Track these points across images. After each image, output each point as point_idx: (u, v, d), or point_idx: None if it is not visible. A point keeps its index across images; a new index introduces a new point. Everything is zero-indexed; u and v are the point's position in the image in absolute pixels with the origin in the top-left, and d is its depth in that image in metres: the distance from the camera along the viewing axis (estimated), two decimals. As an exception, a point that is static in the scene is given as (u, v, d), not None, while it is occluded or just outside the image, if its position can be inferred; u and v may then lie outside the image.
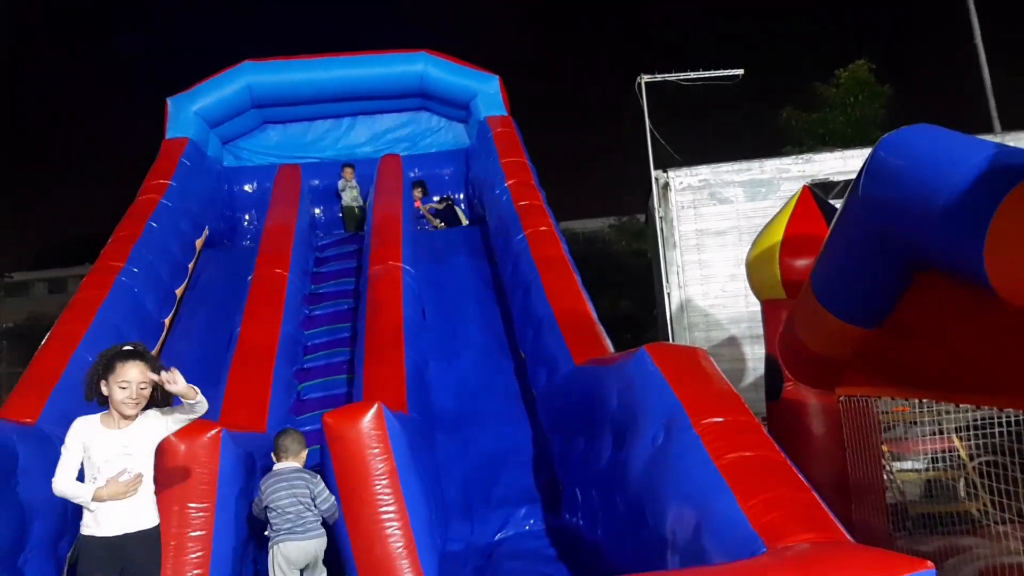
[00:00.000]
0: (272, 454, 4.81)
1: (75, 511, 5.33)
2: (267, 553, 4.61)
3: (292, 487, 4.57)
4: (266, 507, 4.60)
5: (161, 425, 3.76)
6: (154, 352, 7.28)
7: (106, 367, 3.61)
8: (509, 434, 6.46)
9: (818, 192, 6.76)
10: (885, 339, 4.99)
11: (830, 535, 2.68)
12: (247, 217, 10.73)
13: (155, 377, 3.53)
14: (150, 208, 8.32)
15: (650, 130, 14.22)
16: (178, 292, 8.28)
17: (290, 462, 4.74)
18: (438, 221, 10.65)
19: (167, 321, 7.83)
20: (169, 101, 10.18)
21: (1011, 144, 3.85)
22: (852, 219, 4.62)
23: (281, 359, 6.72)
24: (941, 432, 5.75)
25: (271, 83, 10.57)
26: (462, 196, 11.06)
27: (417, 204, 10.43)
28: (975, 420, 5.18)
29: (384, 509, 4.22)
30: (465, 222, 10.62)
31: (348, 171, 10.55)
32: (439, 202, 10.73)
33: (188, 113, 10.15)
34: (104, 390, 3.60)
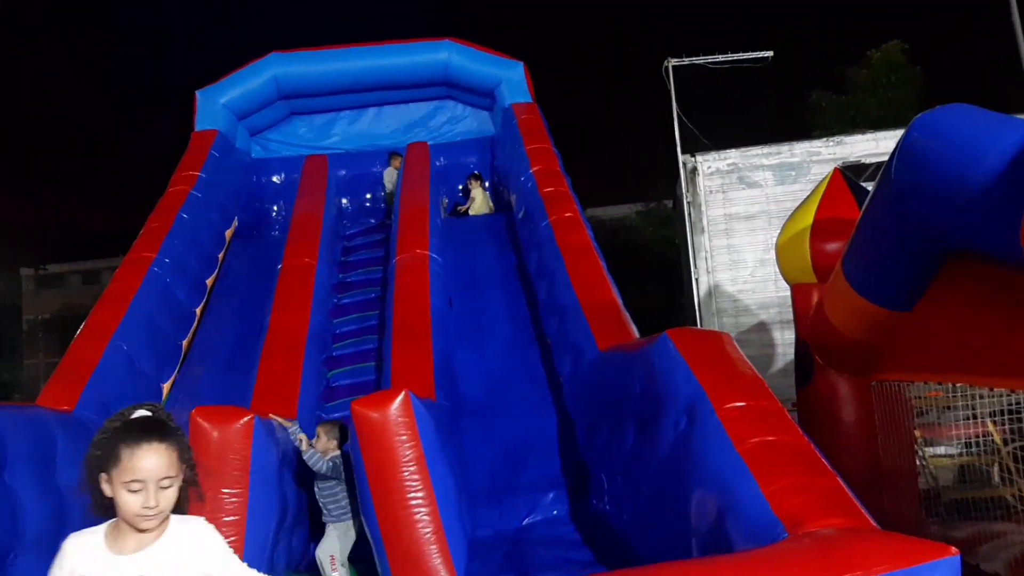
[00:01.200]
0: (338, 441, 4.98)
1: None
2: (298, 536, 4.72)
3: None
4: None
5: (203, 548, 2.15)
6: (186, 341, 7.43)
7: (105, 456, 2.07)
8: (535, 421, 6.48)
9: (849, 175, 6.65)
10: (918, 322, 4.91)
11: (855, 521, 2.65)
12: (275, 208, 10.84)
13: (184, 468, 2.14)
14: (180, 199, 8.44)
15: (677, 114, 14.08)
16: (209, 282, 8.41)
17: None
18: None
19: (198, 311, 7.96)
20: (198, 94, 10.30)
21: (1048, 123, 3.75)
22: (884, 202, 4.54)
23: (311, 347, 6.80)
24: (975, 417, 5.66)
25: (297, 74, 10.65)
26: (487, 184, 11.06)
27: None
28: (1010, 404, 5.09)
29: (412, 495, 4.26)
30: (491, 208, 10.62)
31: (396, 160, 10.61)
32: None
33: (216, 105, 10.27)
34: (107, 490, 2.05)
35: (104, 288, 7.21)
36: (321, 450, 4.92)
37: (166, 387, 6.84)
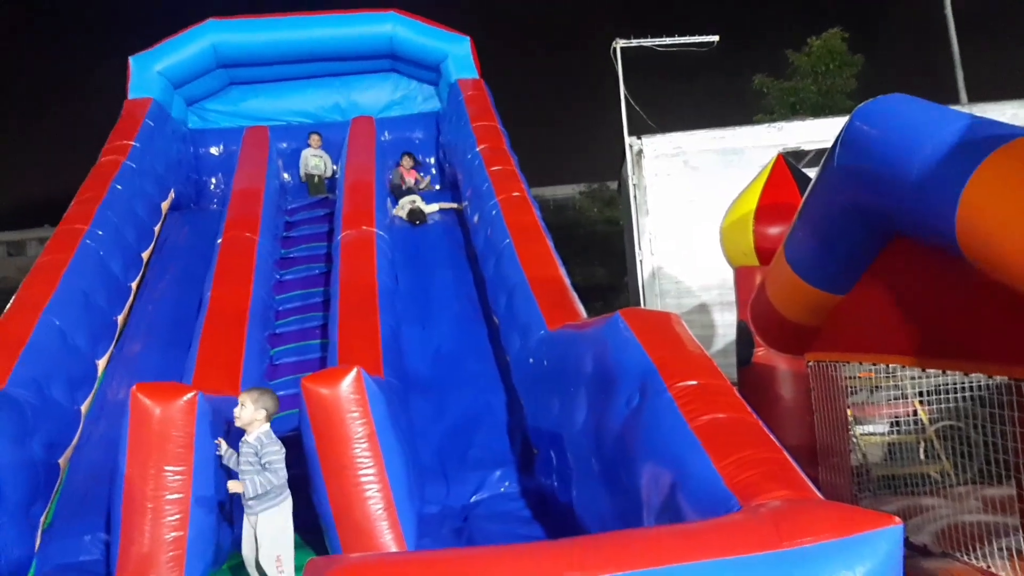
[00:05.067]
0: (268, 414, 4.52)
1: (48, 476, 5.31)
2: (243, 515, 4.59)
3: None
4: (267, 463, 4.39)
5: None
6: (122, 316, 7.20)
7: None
8: (483, 398, 6.51)
9: (792, 161, 6.83)
10: (853, 304, 5.10)
11: (802, 493, 2.76)
12: (214, 180, 10.52)
13: None
14: (113, 169, 8.12)
15: (625, 97, 14.18)
16: (145, 255, 8.14)
17: None
18: (427, 179, 10.41)
19: (134, 285, 7.71)
20: (131, 60, 9.87)
21: (978, 114, 3.92)
22: (827, 187, 4.68)
23: (253, 323, 6.67)
24: (903, 397, 5.92)
25: (237, 42, 10.29)
26: (432, 160, 10.95)
27: (412, 175, 10.20)
28: (937, 385, 5.34)
29: (363, 472, 4.26)
30: (436, 187, 10.51)
31: (315, 138, 10.37)
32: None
33: (151, 73, 9.87)
34: None
35: (30, 260, 6.92)
36: (246, 421, 4.47)
37: (101, 363, 6.62)
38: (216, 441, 4.55)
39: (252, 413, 4.48)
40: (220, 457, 4.59)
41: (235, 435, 4.95)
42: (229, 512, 4.83)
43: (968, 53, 18.17)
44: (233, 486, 4.42)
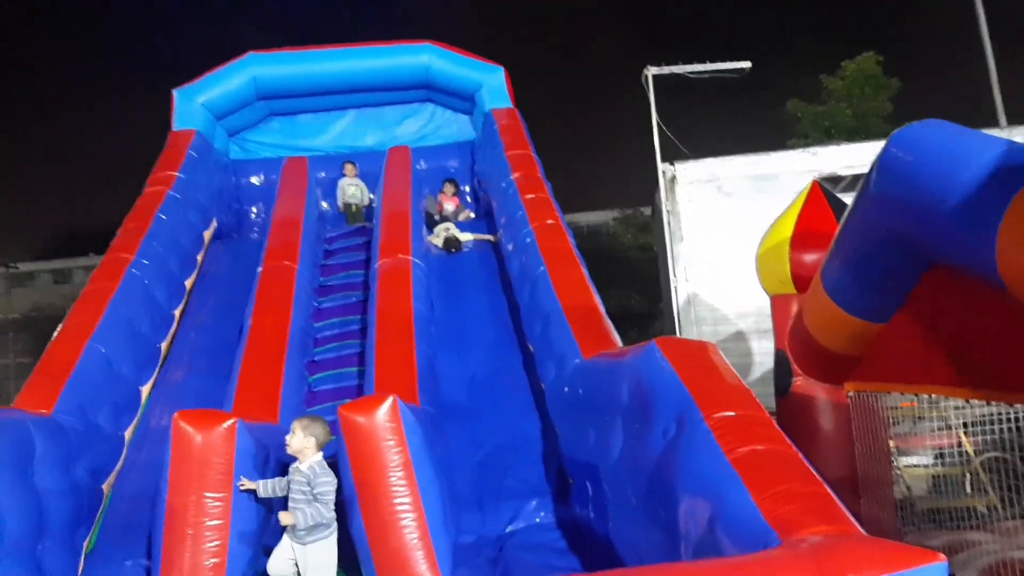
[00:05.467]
0: (318, 443, 4.62)
1: (91, 502, 5.42)
2: (277, 538, 4.65)
3: None
4: (318, 495, 4.50)
5: None
6: (165, 344, 7.36)
7: None
8: (519, 427, 6.51)
9: (827, 187, 6.78)
10: (894, 333, 5.02)
11: (843, 528, 2.72)
12: (254, 209, 10.76)
13: None
14: (158, 200, 8.34)
15: (657, 123, 14.21)
16: (188, 283, 8.33)
17: None
18: (467, 212, 10.49)
19: (177, 313, 7.88)
20: (175, 93, 10.18)
21: (1017, 139, 3.87)
22: (863, 215, 4.64)
23: (292, 350, 6.77)
24: (948, 428, 5.79)
25: (276, 75, 10.58)
26: (467, 188, 11.07)
27: (455, 201, 10.34)
28: (982, 416, 5.22)
29: (399, 500, 4.27)
30: (471, 215, 10.60)
31: (350, 167, 10.56)
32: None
33: (194, 105, 10.18)
34: None
35: (76, 288, 7.13)
36: (296, 449, 4.57)
37: (145, 390, 6.76)
38: (239, 483, 4.48)
39: (301, 441, 4.59)
40: (255, 492, 4.56)
41: (274, 464, 5.03)
42: (266, 538, 4.87)
43: (1006, 76, 17.88)
44: (285, 518, 4.49)
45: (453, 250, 9.34)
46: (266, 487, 4.58)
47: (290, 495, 4.55)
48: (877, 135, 16.20)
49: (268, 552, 4.83)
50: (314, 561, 4.46)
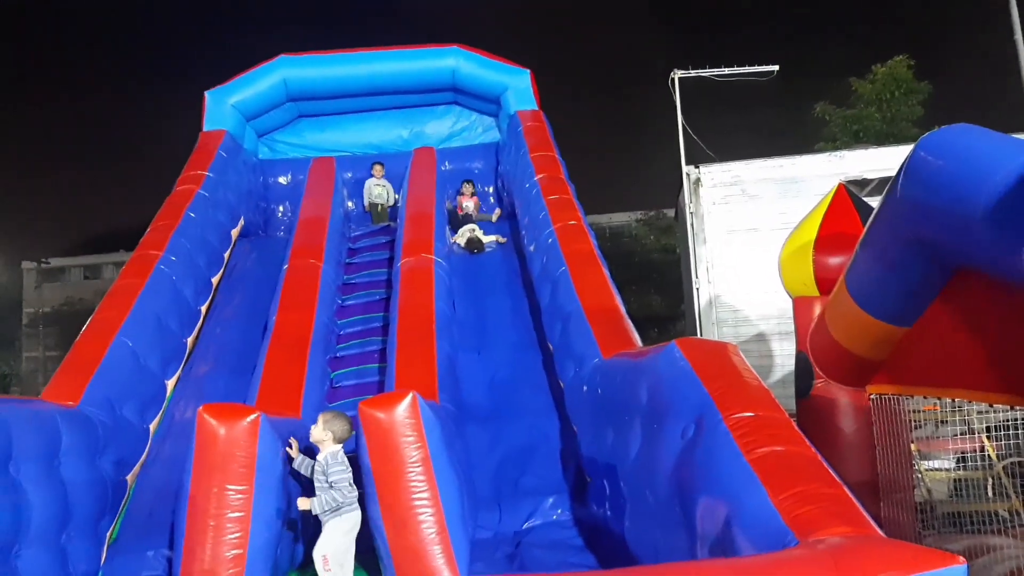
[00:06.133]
0: (336, 436, 4.83)
1: (116, 493, 5.52)
2: (304, 533, 4.73)
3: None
4: (333, 482, 4.69)
5: None
6: (191, 339, 7.48)
7: None
8: (538, 426, 6.52)
9: (853, 190, 6.73)
10: (918, 337, 4.97)
11: (862, 530, 2.70)
12: (281, 208, 10.88)
13: None
14: (188, 198, 8.48)
15: (682, 125, 14.16)
16: (214, 281, 8.44)
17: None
18: (496, 212, 10.53)
19: (204, 309, 7.99)
20: (207, 94, 10.35)
21: (1049, 144, 3.82)
22: (889, 218, 4.60)
23: (315, 347, 6.84)
24: (971, 432, 5.72)
25: (306, 77, 10.70)
26: (491, 189, 11.12)
27: (474, 200, 10.40)
28: (1005, 420, 5.15)
29: (417, 496, 4.30)
30: (495, 217, 10.64)
31: (378, 168, 10.66)
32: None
33: (225, 106, 10.32)
34: None
35: (106, 283, 7.26)
36: (315, 439, 4.83)
37: (170, 384, 6.87)
38: (288, 444, 4.88)
39: (320, 433, 4.81)
40: (290, 465, 4.89)
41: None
42: (288, 531, 4.94)
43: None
44: (302, 503, 4.72)
45: (476, 251, 9.40)
46: (301, 462, 4.91)
47: (314, 481, 4.81)
48: (907, 139, 16.01)
49: (289, 548, 4.91)
50: (327, 532, 4.70)
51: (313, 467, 4.83)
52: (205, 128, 10.11)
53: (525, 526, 5.57)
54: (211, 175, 9.00)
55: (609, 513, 5.00)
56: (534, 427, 6.50)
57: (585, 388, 5.83)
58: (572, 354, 6.40)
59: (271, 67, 10.58)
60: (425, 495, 4.31)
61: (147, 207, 8.35)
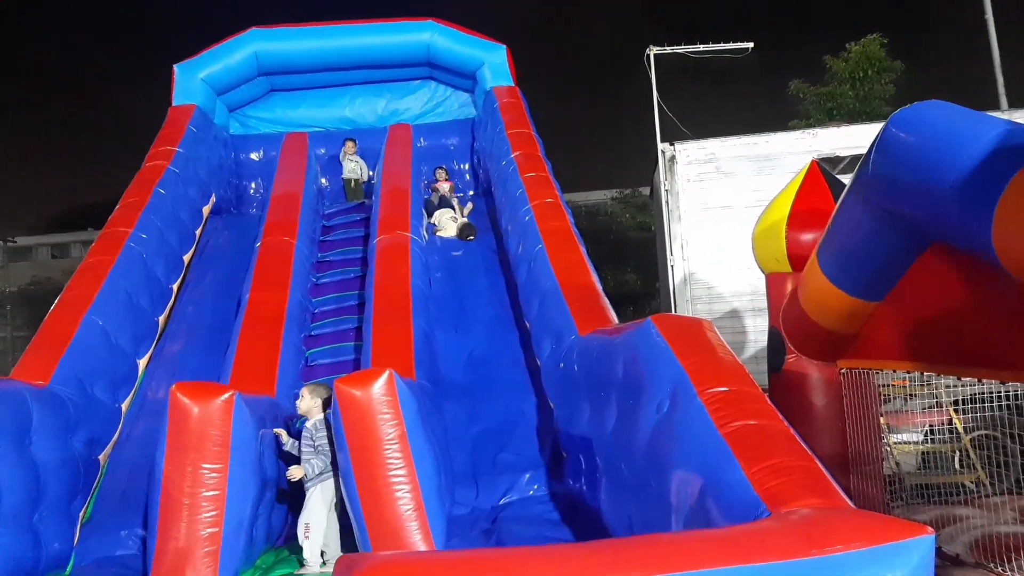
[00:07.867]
0: (323, 402, 5.00)
1: (88, 472, 5.46)
2: (279, 511, 4.75)
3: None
4: (319, 446, 4.88)
5: None
6: (163, 317, 7.38)
7: None
8: (515, 403, 6.55)
9: (826, 167, 6.77)
10: (888, 312, 5.05)
11: (832, 501, 2.75)
12: (253, 185, 10.73)
13: None
14: (157, 174, 8.33)
15: (658, 103, 14.15)
16: (186, 258, 8.33)
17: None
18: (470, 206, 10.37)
19: (175, 287, 7.89)
20: (176, 68, 10.13)
21: (1018, 121, 3.87)
22: (861, 194, 4.65)
23: (290, 325, 6.79)
24: (939, 405, 5.84)
25: (278, 51, 10.51)
26: (467, 166, 11.05)
27: (450, 184, 10.25)
28: (972, 394, 5.26)
29: (394, 472, 4.32)
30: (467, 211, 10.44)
31: (350, 144, 10.54)
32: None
33: (195, 80, 10.12)
34: None
35: (74, 262, 7.14)
36: (306, 409, 5.04)
37: (142, 363, 6.79)
38: (276, 432, 5.08)
39: (309, 402, 5.03)
40: (282, 446, 5.08)
41: (270, 436, 5.08)
42: (264, 509, 4.93)
43: (1009, 59, 17.80)
44: (295, 471, 4.86)
45: (471, 238, 9.23)
46: (292, 444, 5.09)
47: (301, 452, 4.95)
48: (879, 118, 16.14)
49: (265, 526, 4.91)
50: (310, 501, 4.85)
51: (301, 440, 4.98)
52: (175, 103, 9.92)
53: (502, 501, 5.60)
54: (181, 151, 8.85)
55: (585, 488, 5.05)
56: (511, 404, 6.52)
57: (562, 365, 5.86)
58: (549, 331, 6.41)
59: (242, 40, 10.38)
60: (402, 472, 4.32)
61: (116, 184, 8.19)
